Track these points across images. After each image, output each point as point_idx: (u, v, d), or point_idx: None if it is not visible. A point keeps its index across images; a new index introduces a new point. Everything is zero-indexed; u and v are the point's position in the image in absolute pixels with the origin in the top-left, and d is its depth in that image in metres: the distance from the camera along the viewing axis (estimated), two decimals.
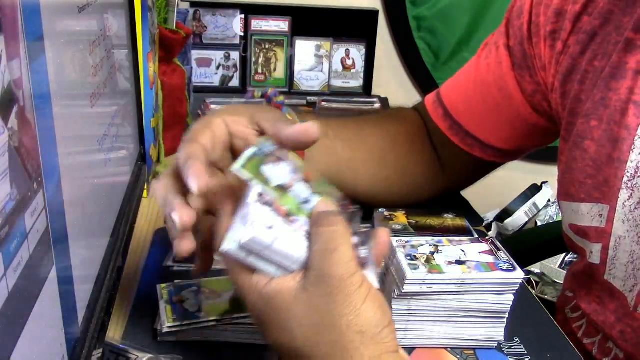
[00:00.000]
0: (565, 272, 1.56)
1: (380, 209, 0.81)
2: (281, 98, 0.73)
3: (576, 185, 0.70)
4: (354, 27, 1.58)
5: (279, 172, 0.53)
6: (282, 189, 0.52)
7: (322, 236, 0.49)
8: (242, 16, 1.52)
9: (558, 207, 1.77)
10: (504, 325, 0.64)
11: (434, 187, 0.90)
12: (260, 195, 0.51)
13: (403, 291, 0.60)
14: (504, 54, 0.80)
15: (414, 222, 0.79)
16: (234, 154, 0.59)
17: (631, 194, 0.64)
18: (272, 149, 0.54)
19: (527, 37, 0.77)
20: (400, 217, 0.80)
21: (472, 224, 0.81)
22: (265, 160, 0.53)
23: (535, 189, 1.80)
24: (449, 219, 0.80)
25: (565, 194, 0.73)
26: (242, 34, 1.53)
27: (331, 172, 0.78)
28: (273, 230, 0.49)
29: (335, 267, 0.48)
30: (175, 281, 0.68)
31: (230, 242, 0.49)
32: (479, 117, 0.84)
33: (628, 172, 0.64)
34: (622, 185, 0.65)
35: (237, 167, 0.51)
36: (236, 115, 0.60)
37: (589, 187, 0.69)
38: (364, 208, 0.86)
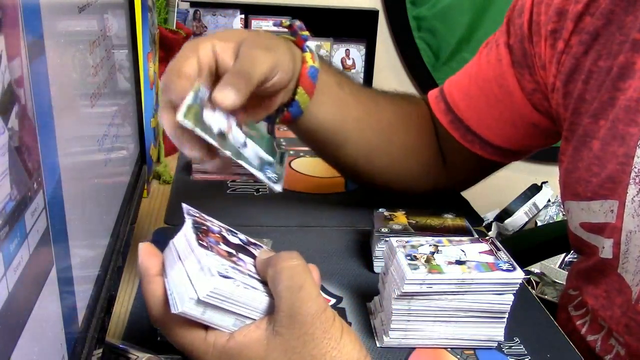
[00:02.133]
0: (566, 272, 1.56)
1: (380, 209, 0.81)
2: (306, 33, 0.74)
3: (582, 184, 0.70)
4: (354, 27, 1.58)
5: (217, 117, 0.57)
6: (222, 135, 0.56)
7: (284, 274, 0.48)
8: (242, 16, 1.52)
9: (558, 207, 1.77)
10: (504, 325, 0.64)
11: (434, 181, 0.90)
12: (198, 233, 0.51)
13: (403, 291, 0.60)
14: (503, 51, 0.80)
15: (414, 222, 0.79)
16: (218, 77, 0.61)
17: (639, 188, 0.65)
18: (206, 94, 0.57)
19: (527, 35, 0.77)
20: (400, 217, 0.80)
21: (472, 224, 0.81)
22: (202, 106, 0.56)
23: (535, 189, 1.80)
24: (449, 219, 0.80)
25: (571, 193, 0.73)
26: None
27: (335, 121, 0.79)
28: (229, 277, 0.47)
29: (307, 305, 0.47)
30: None
31: (185, 301, 0.46)
32: (479, 114, 0.84)
33: (635, 167, 0.65)
34: (630, 181, 0.65)
35: (181, 118, 0.53)
36: (225, 41, 0.63)
37: (594, 185, 0.69)
38: (366, 205, 0.86)
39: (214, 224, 0.55)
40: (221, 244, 0.52)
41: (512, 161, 0.89)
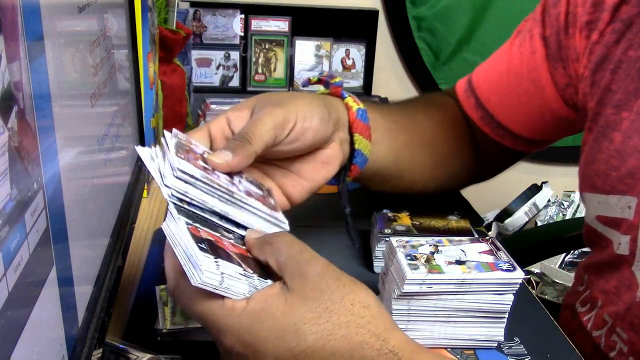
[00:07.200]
0: (566, 272, 1.56)
1: (384, 210, 0.81)
2: (338, 79, 0.70)
3: (601, 177, 0.69)
4: (354, 27, 1.58)
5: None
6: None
7: (282, 246, 0.49)
8: (242, 16, 1.52)
9: (558, 207, 1.77)
10: (504, 325, 0.64)
11: (472, 174, 0.89)
12: (178, 149, 0.53)
13: (403, 291, 0.60)
14: (538, 43, 0.79)
15: (417, 223, 0.78)
16: None
17: None
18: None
19: (563, 27, 0.76)
20: (404, 218, 0.79)
21: (472, 224, 0.81)
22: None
23: (535, 189, 1.80)
24: (453, 221, 0.80)
25: (589, 185, 0.72)
26: (242, 34, 1.53)
27: (392, 154, 0.77)
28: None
29: (312, 263, 0.48)
30: None
31: (202, 272, 0.46)
32: (510, 109, 0.83)
33: None
34: None
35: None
36: (238, 110, 0.62)
37: (613, 179, 0.68)
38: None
39: (199, 147, 0.57)
40: (199, 160, 0.54)
41: (539, 150, 0.88)
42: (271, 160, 0.65)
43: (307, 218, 0.90)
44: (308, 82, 0.73)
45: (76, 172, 0.48)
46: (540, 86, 0.79)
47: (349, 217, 0.71)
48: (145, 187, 0.93)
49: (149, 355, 0.57)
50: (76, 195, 0.48)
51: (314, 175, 0.66)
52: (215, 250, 0.47)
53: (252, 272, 0.49)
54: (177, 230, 0.48)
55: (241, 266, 0.48)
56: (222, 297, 0.47)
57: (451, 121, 0.86)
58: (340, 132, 0.68)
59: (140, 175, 0.79)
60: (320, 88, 0.72)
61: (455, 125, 0.86)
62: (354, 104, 0.70)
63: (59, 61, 0.44)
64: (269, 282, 0.49)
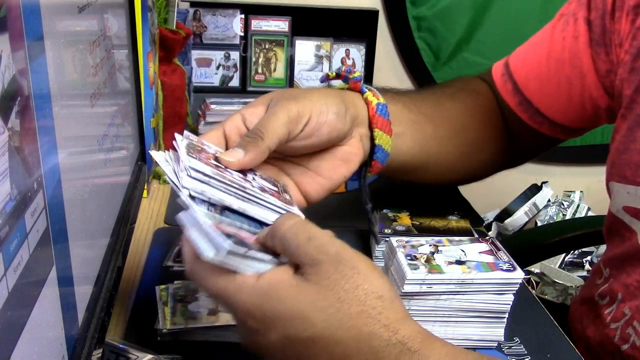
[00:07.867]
0: (567, 272, 1.56)
1: (384, 210, 0.81)
2: (357, 74, 0.70)
3: (632, 167, 0.68)
4: (354, 27, 1.58)
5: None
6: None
7: (288, 236, 0.48)
8: (242, 16, 1.52)
9: (558, 207, 1.77)
10: (504, 325, 0.64)
11: (501, 161, 0.88)
12: (190, 149, 0.53)
13: (403, 291, 0.60)
14: (582, 28, 0.77)
15: (417, 223, 0.78)
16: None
17: None
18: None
19: (610, 10, 0.74)
20: (404, 218, 0.79)
21: (472, 224, 0.81)
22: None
23: (535, 189, 1.80)
24: (453, 221, 0.80)
25: (618, 175, 0.71)
26: (242, 34, 1.53)
27: (417, 146, 0.76)
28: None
29: (324, 251, 0.47)
30: (176, 282, 0.68)
31: (217, 245, 0.46)
32: (549, 96, 0.81)
33: None
34: None
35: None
36: (254, 107, 0.61)
37: None
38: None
39: (211, 148, 0.57)
40: (211, 160, 0.54)
41: (575, 137, 0.86)
42: (288, 157, 0.64)
43: (307, 218, 0.90)
44: (326, 78, 0.73)
45: (76, 172, 0.48)
46: (582, 73, 0.77)
47: (370, 214, 0.70)
48: (145, 187, 0.93)
49: (149, 355, 0.57)
50: (76, 195, 0.48)
51: (332, 173, 0.66)
52: (243, 244, 0.47)
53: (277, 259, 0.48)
54: (192, 214, 0.48)
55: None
56: (233, 274, 0.47)
57: (483, 107, 0.84)
58: (360, 127, 0.67)
59: (140, 175, 0.79)
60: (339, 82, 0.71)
61: (487, 111, 0.84)
62: (374, 98, 0.69)
63: (59, 61, 0.44)
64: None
